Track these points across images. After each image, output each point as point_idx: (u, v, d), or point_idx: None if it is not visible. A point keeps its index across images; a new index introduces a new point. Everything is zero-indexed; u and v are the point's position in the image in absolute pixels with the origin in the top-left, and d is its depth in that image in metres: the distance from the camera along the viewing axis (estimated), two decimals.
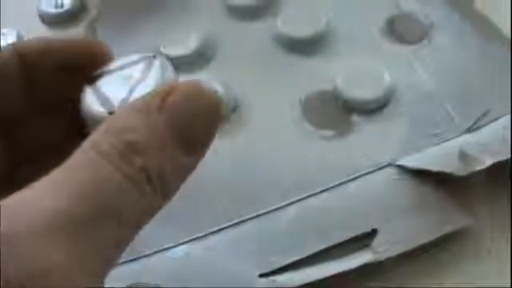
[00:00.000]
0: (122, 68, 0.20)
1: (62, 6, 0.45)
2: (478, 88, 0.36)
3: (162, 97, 0.17)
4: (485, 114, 0.34)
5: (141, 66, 0.20)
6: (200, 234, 0.31)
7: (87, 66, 0.21)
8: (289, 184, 0.33)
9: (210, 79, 0.39)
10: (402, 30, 0.40)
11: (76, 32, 0.44)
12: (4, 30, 0.44)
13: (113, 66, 0.21)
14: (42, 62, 0.20)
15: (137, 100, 0.18)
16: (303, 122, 0.36)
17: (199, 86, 0.18)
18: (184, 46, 0.41)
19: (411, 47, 0.39)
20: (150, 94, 0.18)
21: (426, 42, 0.39)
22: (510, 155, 0.31)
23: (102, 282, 0.16)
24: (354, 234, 0.30)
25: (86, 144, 0.17)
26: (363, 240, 0.30)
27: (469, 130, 0.34)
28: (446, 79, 0.37)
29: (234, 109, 0.37)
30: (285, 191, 0.33)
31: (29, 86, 0.21)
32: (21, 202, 0.15)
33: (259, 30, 0.42)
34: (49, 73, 0.21)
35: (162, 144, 0.17)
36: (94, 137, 0.17)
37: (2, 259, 0.14)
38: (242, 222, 0.32)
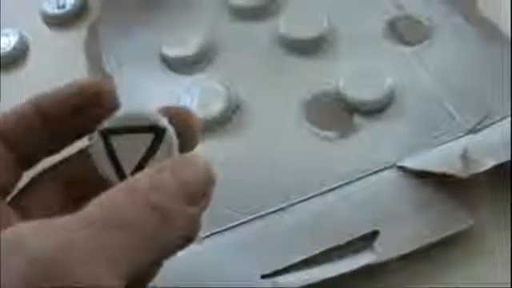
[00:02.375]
0: (134, 130, 0.23)
1: (64, 7, 0.46)
2: (479, 89, 0.36)
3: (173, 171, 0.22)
4: (487, 116, 0.34)
5: (151, 137, 0.23)
6: (202, 235, 0.32)
7: (95, 105, 0.24)
8: (291, 185, 0.33)
9: (211, 80, 0.39)
10: (403, 31, 0.40)
11: (78, 32, 0.44)
12: (6, 30, 0.44)
13: (122, 120, 0.23)
14: (55, 109, 0.24)
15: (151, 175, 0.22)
16: (305, 123, 0.36)
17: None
18: (186, 47, 0.41)
19: (413, 48, 0.39)
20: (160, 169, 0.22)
21: (427, 43, 0.39)
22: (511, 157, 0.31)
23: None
24: (355, 235, 0.30)
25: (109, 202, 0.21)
26: (365, 241, 0.30)
27: (471, 131, 0.34)
28: (448, 80, 0.37)
29: (236, 110, 0.37)
30: (287, 192, 0.33)
31: (47, 129, 0.24)
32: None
33: (261, 30, 0.42)
34: (62, 117, 0.24)
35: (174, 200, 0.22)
36: (117, 197, 0.21)
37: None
38: (244, 222, 0.32)
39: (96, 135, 0.23)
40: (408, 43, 0.40)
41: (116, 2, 0.45)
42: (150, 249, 0.20)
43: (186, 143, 0.24)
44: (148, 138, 0.23)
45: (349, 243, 0.30)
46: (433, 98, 0.36)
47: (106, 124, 0.23)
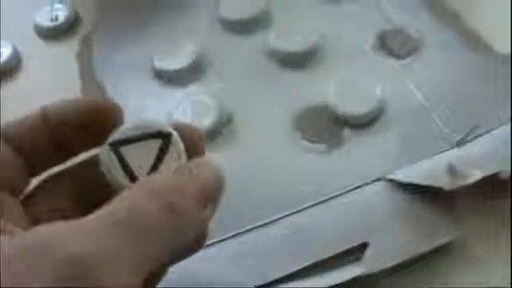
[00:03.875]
0: (140, 139, 0.24)
1: (56, 19, 0.46)
2: (467, 102, 0.36)
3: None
4: (474, 128, 0.35)
5: (158, 143, 0.24)
6: None
7: (99, 123, 0.25)
8: (281, 197, 0.33)
9: (203, 92, 0.39)
10: (393, 45, 0.40)
11: (70, 44, 0.45)
12: None
13: (128, 131, 0.24)
14: (62, 121, 0.25)
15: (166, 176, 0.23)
16: (295, 136, 0.36)
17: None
18: (178, 60, 0.41)
19: (402, 62, 0.40)
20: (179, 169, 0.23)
21: (416, 56, 0.40)
22: (499, 169, 0.32)
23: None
24: (345, 248, 0.31)
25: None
26: (355, 253, 0.31)
27: (458, 144, 0.34)
28: (437, 93, 0.37)
29: (227, 123, 0.38)
30: (277, 205, 0.33)
31: (55, 140, 0.25)
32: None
33: (252, 44, 0.42)
34: (69, 130, 0.25)
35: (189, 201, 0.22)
36: (138, 197, 0.21)
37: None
38: (235, 235, 0.32)
39: (106, 147, 0.24)
40: (397, 56, 0.40)
41: (108, 14, 0.46)
42: (167, 249, 0.21)
43: (192, 156, 0.25)
44: (155, 144, 0.24)
45: (338, 255, 0.31)
46: (421, 111, 0.36)
47: (114, 137, 0.24)
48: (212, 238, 0.32)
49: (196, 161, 0.24)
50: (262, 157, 0.36)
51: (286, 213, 0.33)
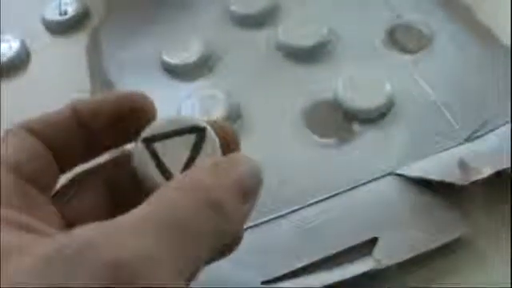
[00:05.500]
0: (174, 134, 0.23)
1: (65, 14, 0.46)
2: (478, 97, 0.36)
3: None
4: (485, 123, 0.35)
5: (192, 138, 0.23)
6: None
7: (133, 117, 0.24)
8: (290, 192, 0.33)
9: (211, 87, 0.39)
10: (402, 40, 0.40)
11: (79, 39, 0.45)
12: (7, 37, 0.45)
13: (161, 127, 0.23)
14: (95, 117, 0.24)
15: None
16: (305, 131, 0.36)
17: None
18: (186, 54, 0.41)
19: (412, 56, 0.39)
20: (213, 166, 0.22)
21: (426, 51, 0.40)
22: (509, 164, 0.31)
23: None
24: (355, 242, 0.31)
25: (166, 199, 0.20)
26: (364, 248, 0.31)
27: (469, 139, 0.34)
28: (447, 88, 0.37)
29: (236, 117, 0.38)
30: (287, 199, 0.33)
31: (86, 136, 0.24)
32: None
33: (261, 38, 0.42)
34: (101, 126, 0.24)
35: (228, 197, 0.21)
36: (178, 196, 0.20)
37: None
38: (245, 229, 0.32)
39: (139, 144, 0.23)
40: (407, 51, 0.40)
41: (118, 9, 0.46)
42: (209, 249, 0.20)
43: (226, 152, 0.24)
44: (190, 139, 0.23)
45: (348, 250, 0.31)
46: (431, 105, 0.36)
47: (147, 132, 0.23)
48: None
49: (233, 156, 0.23)
50: (271, 151, 0.36)
51: (295, 207, 0.33)
